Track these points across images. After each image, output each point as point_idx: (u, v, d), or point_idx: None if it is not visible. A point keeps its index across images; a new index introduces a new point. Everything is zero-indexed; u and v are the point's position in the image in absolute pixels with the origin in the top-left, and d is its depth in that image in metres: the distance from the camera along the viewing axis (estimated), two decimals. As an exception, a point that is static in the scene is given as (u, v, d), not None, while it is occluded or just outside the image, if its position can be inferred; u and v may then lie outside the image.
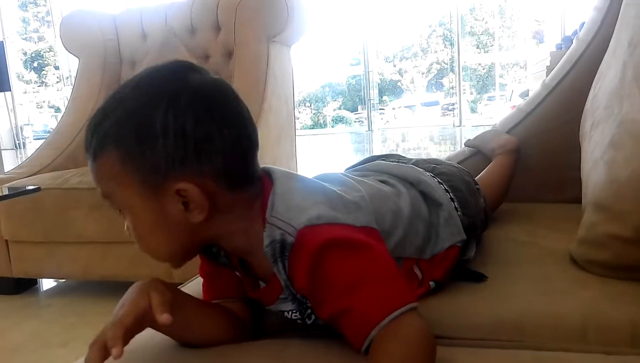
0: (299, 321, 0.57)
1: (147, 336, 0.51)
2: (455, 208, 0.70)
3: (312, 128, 20.28)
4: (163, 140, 0.49)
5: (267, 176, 0.56)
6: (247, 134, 0.53)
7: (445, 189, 0.72)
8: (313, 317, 0.56)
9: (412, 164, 0.79)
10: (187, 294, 0.58)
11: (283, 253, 0.51)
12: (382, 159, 0.83)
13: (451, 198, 0.71)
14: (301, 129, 18.16)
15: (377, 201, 0.60)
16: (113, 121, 0.50)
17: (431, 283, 0.64)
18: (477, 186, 0.85)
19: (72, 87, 2.37)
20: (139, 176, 0.50)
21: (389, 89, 21.99)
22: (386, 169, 0.74)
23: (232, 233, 0.54)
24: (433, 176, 0.74)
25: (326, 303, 0.50)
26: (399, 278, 0.51)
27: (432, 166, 0.80)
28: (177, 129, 0.49)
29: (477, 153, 1.22)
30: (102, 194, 0.54)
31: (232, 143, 0.51)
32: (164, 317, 0.47)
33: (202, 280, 0.65)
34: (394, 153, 1.01)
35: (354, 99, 20.58)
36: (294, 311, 0.57)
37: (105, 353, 0.46)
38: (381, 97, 19.92)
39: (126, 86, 0.52)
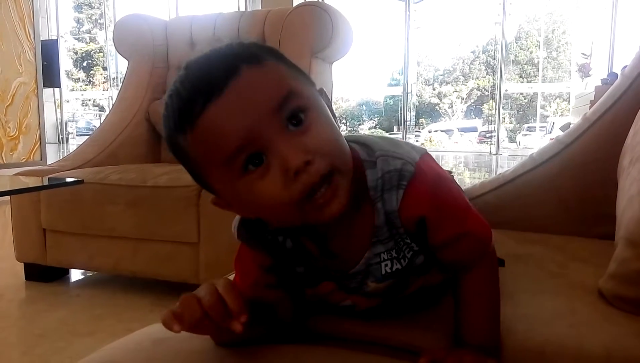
0: (392, 266, 0.58)
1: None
2: None
3: (346, 145, 20.27)
4: None
5: None
6: None
7: None
8: (409, 255, 0.58)
9: None
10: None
11: (400, 182, 0.53)
12: None
13: None
14: (335, 145, 18.15)
15: None
16: (233, 46, 0.51)
17: None
18: None
19: (118, 88, 2.45)
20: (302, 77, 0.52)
21: (427, 112, 21.90)
22: None
23: None
24: None
25: (443, 229, 0.55)
26: None
27: None
28: None
29: (511, 181, 1.21)
30: (283, 97, 0.47)
31: None
32: (243, 318, 0.47)
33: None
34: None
35: (390, 119, 20.56)
36: (389, 252, 0.57)
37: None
38: (418, 119, 19.85)
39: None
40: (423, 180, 0.53)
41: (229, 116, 0.46)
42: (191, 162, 0.50)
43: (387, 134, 20.38)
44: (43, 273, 2.01)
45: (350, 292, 0.61)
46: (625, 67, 1.17)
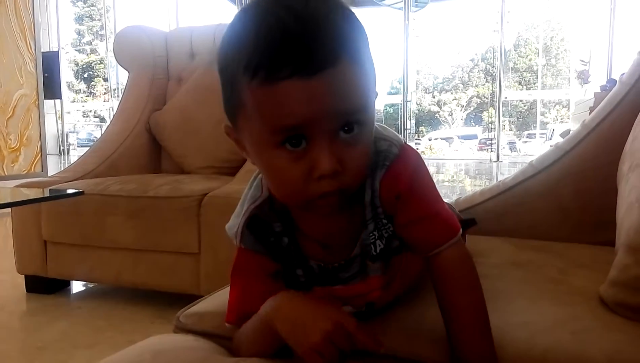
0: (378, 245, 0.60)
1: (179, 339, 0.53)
2: None
3: (347, 154, 20.29)
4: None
5: None
6: None
7: None
8: (386, 236, 0.60)
9: None
10: None
11: (384, 162, 0.56)
12: None
13: None
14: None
15: None
16: (353, 24, 0.49)
17: None
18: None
19: (119, 99, 2.47)
20: (374, 82, 0.51)
21: (427, 120, 21.97)
22: None
23: None
24: None
25: (414, 206, 0.57)
26: None
27: None
28: None
29: (511, 189, 1.21)
30: (356, 107, 0.48)
31: None
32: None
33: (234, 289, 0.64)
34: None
35: (390, 127, 20.56)
36: (372, 232, 0.59)
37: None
38: (418, 127, 19.88)
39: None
40: (406, 161, 0.57)
41: (306, 98, 0.45)
42: (235, 98, 0.49)
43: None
44: (44, 285, 2.01)
45: (351, 280, 0.62)
46: (624, 74, 1.17)
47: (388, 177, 0.56)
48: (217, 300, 0.73)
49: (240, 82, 0.47)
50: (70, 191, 1.68)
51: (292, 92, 0.45)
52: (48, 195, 1.61)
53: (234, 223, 0.60)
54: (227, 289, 0.75)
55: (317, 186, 0.49)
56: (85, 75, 21.96)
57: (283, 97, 0.46)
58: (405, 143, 0.58)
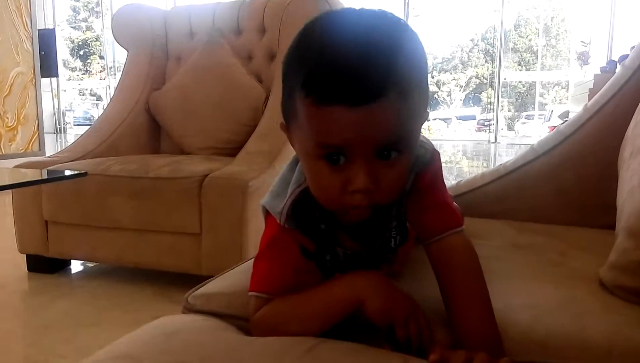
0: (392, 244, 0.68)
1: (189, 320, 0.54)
2: None
3: (345, 134, 20.24)
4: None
5: None
6: None
7: None
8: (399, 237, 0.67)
9: None
10: None
11: (419, 167, 0.62)
12: None
13: None
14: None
15: None
16: (408, 61, 0.51)
17: None
18: None
19: (116, 77, 2.46)
20: (421, 111, 0.57)
21: (425, 101, 21.83)
22: None
23: None
24: None
25: (431, 196, 0.63)
26: None
27: None
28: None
29: (512, 172, 1.22)
30: (394, 138, 0.53)
31: None
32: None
33: (267, 269, 0.64)
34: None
35: (389, 108, 20.48)
36: (395, 228, 0.67)
37: None
38: (416, 108, 19.79)
39: (379, 26, 0.52)
40: (433, 164, 0.63)
41: (349, 125, 0.50)
42: (291, 105, 0.54)
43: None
44: (45, 265, 2.02)
45: (369, 268, 0.66)
46: (623, 56, 1.17)
47: (417, 177, 0.62)
48: (226, 281, 0.74)
49: (296, 94, 0.52)
50: (71, 172, 1.68)
51: (337, 116, 0.50)
52: (50, 176, 1.61)
53: (276, 202, 0.62)
54: (235, 270, 0.76)
55: (351, 199, 0.53)
56: (81, 52, 21.73)
57: (328, 118, 0.50)
58: (434, 146, 0.64)
